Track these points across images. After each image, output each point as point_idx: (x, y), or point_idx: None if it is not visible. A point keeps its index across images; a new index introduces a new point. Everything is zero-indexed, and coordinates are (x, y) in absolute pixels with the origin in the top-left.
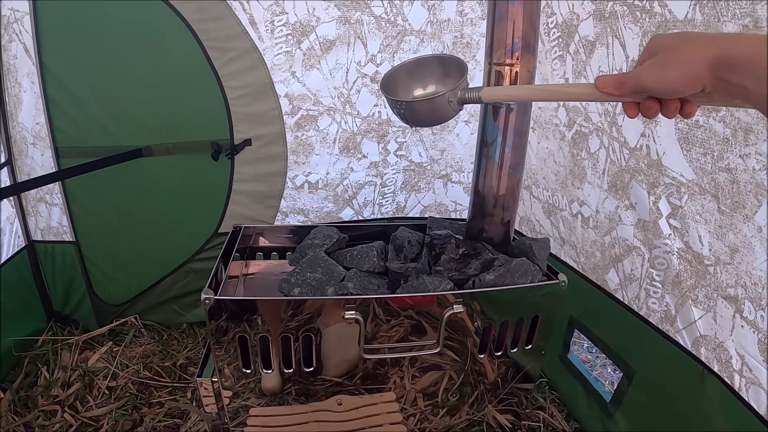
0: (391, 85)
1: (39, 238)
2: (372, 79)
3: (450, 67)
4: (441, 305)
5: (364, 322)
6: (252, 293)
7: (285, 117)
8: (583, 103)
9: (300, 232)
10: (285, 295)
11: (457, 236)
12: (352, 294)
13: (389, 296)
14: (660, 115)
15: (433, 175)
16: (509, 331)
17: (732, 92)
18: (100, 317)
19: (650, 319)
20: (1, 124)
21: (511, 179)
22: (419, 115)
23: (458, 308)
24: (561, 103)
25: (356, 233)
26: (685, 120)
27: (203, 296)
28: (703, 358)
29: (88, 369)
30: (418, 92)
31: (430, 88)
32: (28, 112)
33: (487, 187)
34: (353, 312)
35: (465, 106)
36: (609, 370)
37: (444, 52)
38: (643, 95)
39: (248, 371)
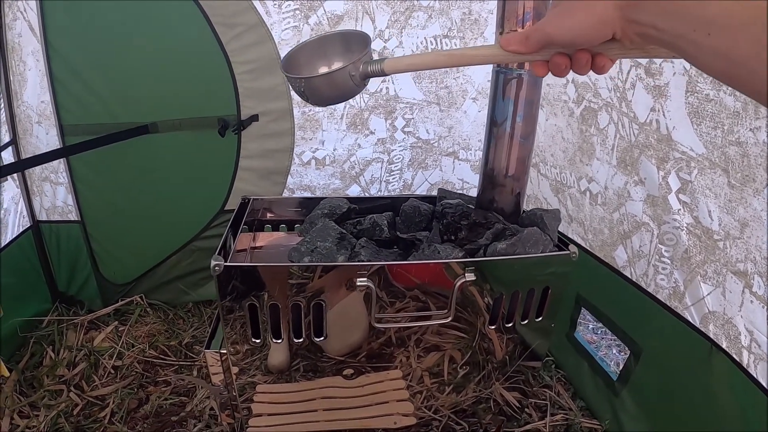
0: (293, 64)
1: (44, 218)
2: (379, 55)
3: (352, 42)
4: (452, 275)
5: (376, 290)
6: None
7: (292, 92)
8: (593, 78)
9: (309, 205)
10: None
11: (468, 206)
12: (363, 261)
13: (403, 263)
14: (597, 74)
15: (440, 153)
16: (520, 302)
17: (644, 35)
18: (105, 297)
19: (658, 296)
20: (5, 102)
21: (522, 150)
22: (320, 92)
23: (470, 276)
24: (570, 79)
25: (365, 205)
26: (696, 94)
27: (213, 263)
28: (711, 335)
29: (93, 349)
30: (323, 70)
31: (336, 65)
32: (33, 91)
33: (498, 157)
34: (365, 279)
35: (465, 85)
36: (614, 351)
37: (354, 28)
38: (551, 50)
39: (257, 341)
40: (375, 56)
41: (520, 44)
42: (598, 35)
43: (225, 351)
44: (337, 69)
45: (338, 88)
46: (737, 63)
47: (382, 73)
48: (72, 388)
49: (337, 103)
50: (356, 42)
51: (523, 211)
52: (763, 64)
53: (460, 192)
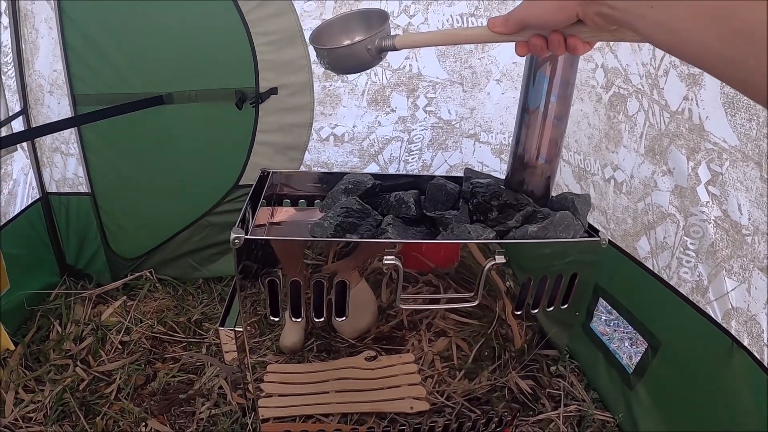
0: (319, 38)
1: (54, 189)
2: (404, 31)
3: (373, 18)
4: (479, 257)
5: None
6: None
7: (313, 66)
8: (623, 64)
9: (329, 180)
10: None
11: (500, 186)
12: (390, 239)
13: (434, 242)
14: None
15: (461, 134)
16: (548, 288)
17: (602, 14)
18: (114, 271)
19: (680, 290)
20: (17, 71)
21: (555, 131)
22: (341, 62)
23: (500, 259)
24: (599, 64)
25: (388, 183)
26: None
27: (233, 236)
28: (733, 332)
29: (101, 323)
30: (346, 43)
31: (357, 39)
32: (45, 59)
33: (530, 137)
34: (392, 257)
35: (490, 66)
36: (627, 344)
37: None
38: (529, 32)
39: (276, 319)
40: (400, 32)
41: (502, 26)
42: (562, 17)
43: (240, 329)
44: (356, 42)
45: (357, 59)
46: (676, 33)
47: (393, 48)
48: (78, 363)
49: (357, 72)
50: (376, 18)
51: (552, 196)
52: (699, 32)
53: None
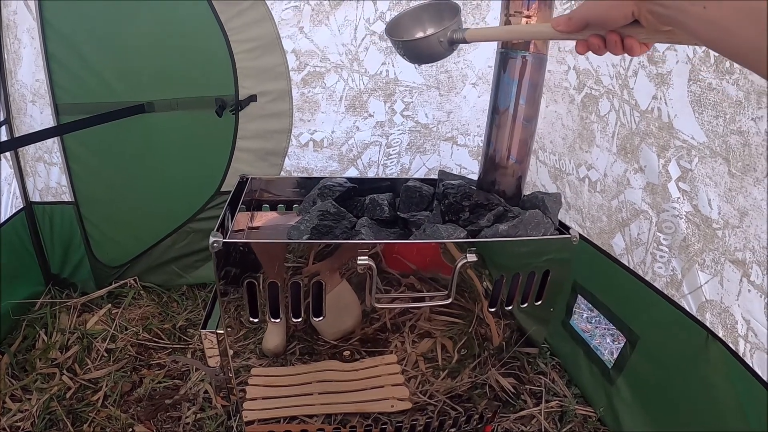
0: (395, 29)
1: (37, 198)
2: (380, 37)
3: (445, 11)
4: (452, 256)
5: (377, 269)
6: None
7: (291, 73)
8: (594, 65)
9: (307, 185)
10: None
11: (471, 187)
12: (364, 239)
13: (405, 242)
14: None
15: (438, 137)
16: (520, 285)
17: (654, 12)
18: (98, 280)
19: (656, 284)
20: (0, 81)
21: (524, 132)
22: (415, 53)
23: (471, 257)
24: (571, 65)
25: (365, 186)
26: (698, 82)
27: (212, 239)
28: (708, 324)
29: (86, 332)
30: (419, 35)
31: (429, 31)
32: (28, 69)
33: (500, 138)
34: (366, 258)
35: (466, 70)
36: (608, 340)
37: None
38: (589, 31)
39: (255, 320)
40: (376, 38)
41: (565, 25)
42: (619, 15)
43: (222, 331)
44: (430, 35)
45: (429, 51)
46: (725, 30)
47: (464, 41)
48: (65, 372)
49: (431, 62)
50: (448, 11)
51: (524, 195)
52: (744, 29)
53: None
